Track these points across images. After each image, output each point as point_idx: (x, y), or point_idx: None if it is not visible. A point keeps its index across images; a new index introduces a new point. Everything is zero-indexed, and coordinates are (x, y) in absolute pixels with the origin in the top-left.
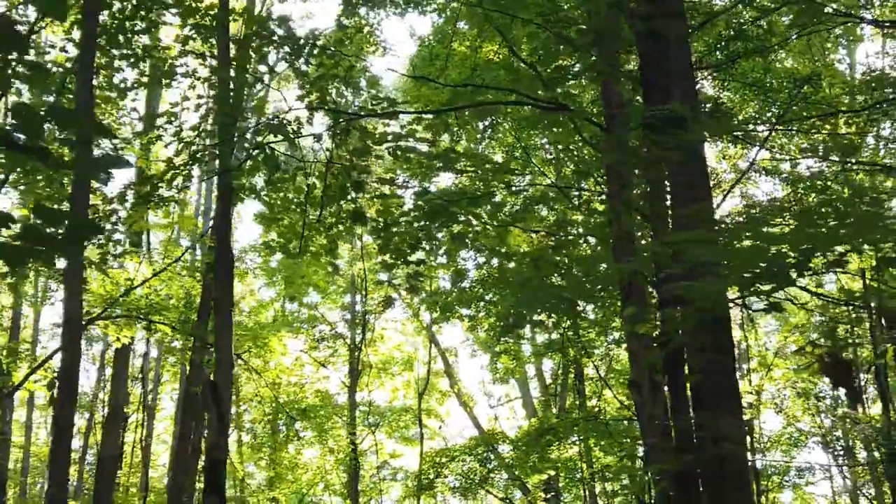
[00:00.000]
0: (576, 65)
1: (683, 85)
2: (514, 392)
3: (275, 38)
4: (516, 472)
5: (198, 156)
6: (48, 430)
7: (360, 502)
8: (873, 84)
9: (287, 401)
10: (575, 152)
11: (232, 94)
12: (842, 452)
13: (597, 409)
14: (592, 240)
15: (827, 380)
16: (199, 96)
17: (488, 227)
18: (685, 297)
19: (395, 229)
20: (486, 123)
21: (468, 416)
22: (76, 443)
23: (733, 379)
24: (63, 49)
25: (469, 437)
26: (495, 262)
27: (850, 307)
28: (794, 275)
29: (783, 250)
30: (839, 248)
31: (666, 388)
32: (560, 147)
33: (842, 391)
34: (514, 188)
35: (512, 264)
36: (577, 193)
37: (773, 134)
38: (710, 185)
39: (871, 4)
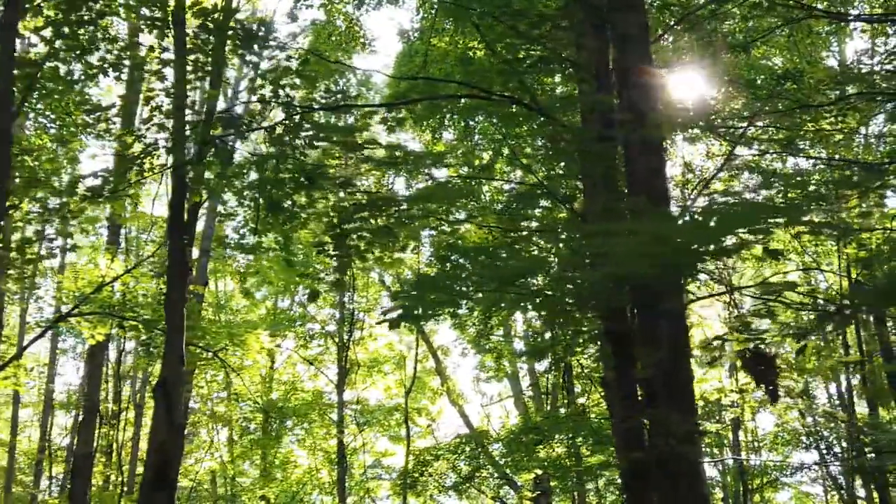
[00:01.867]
0: (528, 57)
1: (642, 80)
2: (509, 391)
3: (226, 31)
4: (507, 471)
5: (149, 149)
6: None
7: (351, 501)
8: (840, 79)
9: (277, 399)
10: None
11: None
12: (825, 451)
13: (582, 407)
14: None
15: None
16: (150, 90)
17: (443, 223)
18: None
19: (348, 226)
20: (473, 121)
21: (459, 415)
22: (64, 441)
23: (687, 375)
24: (31, 44)
25: (455, 436)
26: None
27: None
28: (691, 264)
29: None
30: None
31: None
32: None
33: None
34: (503, 185)
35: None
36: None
37: (757, 131)
38: (667, 180)
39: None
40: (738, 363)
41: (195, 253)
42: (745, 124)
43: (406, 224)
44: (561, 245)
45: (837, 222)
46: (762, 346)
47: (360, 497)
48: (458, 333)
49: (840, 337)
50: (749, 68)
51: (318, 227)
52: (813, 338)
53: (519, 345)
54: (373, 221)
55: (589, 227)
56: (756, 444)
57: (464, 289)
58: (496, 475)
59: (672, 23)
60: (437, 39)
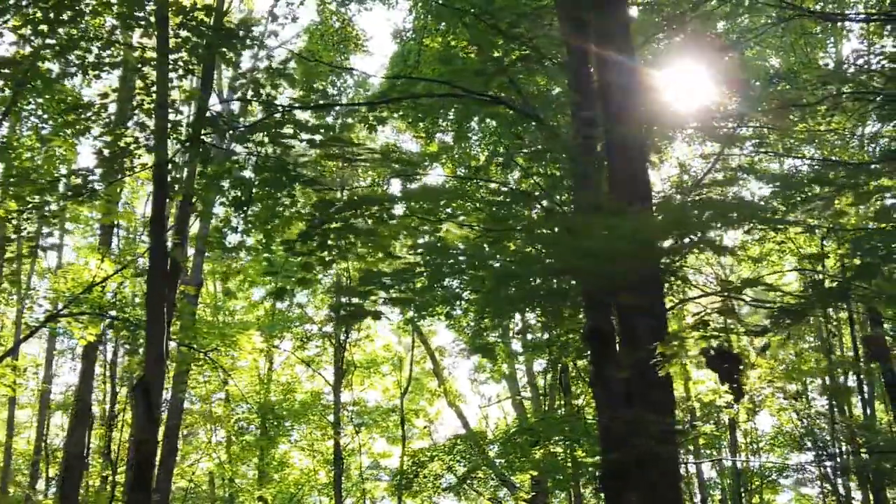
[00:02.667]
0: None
1: (623, 79)
2: (508, 392)
3: (202, 27)
4: (505, 472)
5: (131, 148)
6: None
7: (350, 502)
8: (825, 79)
9: (276, 400)
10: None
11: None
12: (819, 452)
13: (577, 408)
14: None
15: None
16: (131, 88)
17: (425, 222)
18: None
19: (327, 225)
20: (466, 122)
21: (456, 416)
22: (62, 441)
23: (665, 375)
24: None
25: (449, 437)
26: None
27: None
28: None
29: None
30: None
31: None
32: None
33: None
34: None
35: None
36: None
37: (748, 131)
38: (648, 179)
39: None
40: (703, 361)
41: (191, 252)
42: (734, 124)
43: (388, 224)
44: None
45: (826, 221)
46: (727, 344)
47: (358, 499)
48: (456, 335)
49: (834, 338)
50: (741, 67)
51: (301, 226)
52: (808, 339)
53: (517, 345)
54: (354, 221)
55: (545, 223)
56: (755, 445)
57: (456, 288)
58: (493, 476)
59: (664, 22)
60: (429, 40)
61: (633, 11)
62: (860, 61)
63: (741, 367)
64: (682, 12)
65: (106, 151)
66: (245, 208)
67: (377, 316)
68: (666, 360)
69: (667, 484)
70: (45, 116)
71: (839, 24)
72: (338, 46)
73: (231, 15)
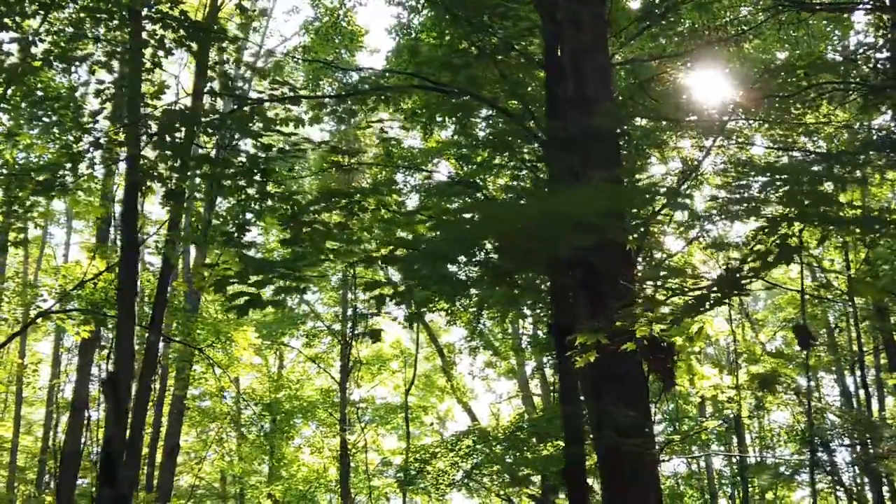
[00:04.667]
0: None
1: (596, 68)
2: (520, 389)
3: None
4: (513, 468)
5: (100, 141)
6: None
7: (361, 499)
8: (808, 70)
9: (284, 398)
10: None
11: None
12: (821, 447)
13: None
14: None
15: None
16: (100, 81)
17: (397, 214)
18: None
19: (304, 218)
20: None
21: (465, 412)
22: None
23: (634, 367)
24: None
25: (451, 434)
26: None
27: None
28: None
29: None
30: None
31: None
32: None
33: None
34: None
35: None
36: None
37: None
38: (621, 168)
39: None
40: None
41: (192, 252)
42: (726, 117)
43: (359, 217)
44: None
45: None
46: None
47: (368, 496)
48: (464, 331)
49: (839, 332)
50: (741, 60)
51: (272, 220)
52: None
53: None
54: (326, 215)
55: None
56: (771, 440)
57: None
58: (501, 472)
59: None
60: (425, 35)
61: (636, 4)
62: (849, 52)
63: (673, 357)
64: (675, 4)
65: (77, 146)
66: (179, 200)
67: (265, 306)
68: (584, 350)
69: (635, 478)
70: (40, 113)
71: (845, 15)
72: (337, 42)
73: (226, 9)
